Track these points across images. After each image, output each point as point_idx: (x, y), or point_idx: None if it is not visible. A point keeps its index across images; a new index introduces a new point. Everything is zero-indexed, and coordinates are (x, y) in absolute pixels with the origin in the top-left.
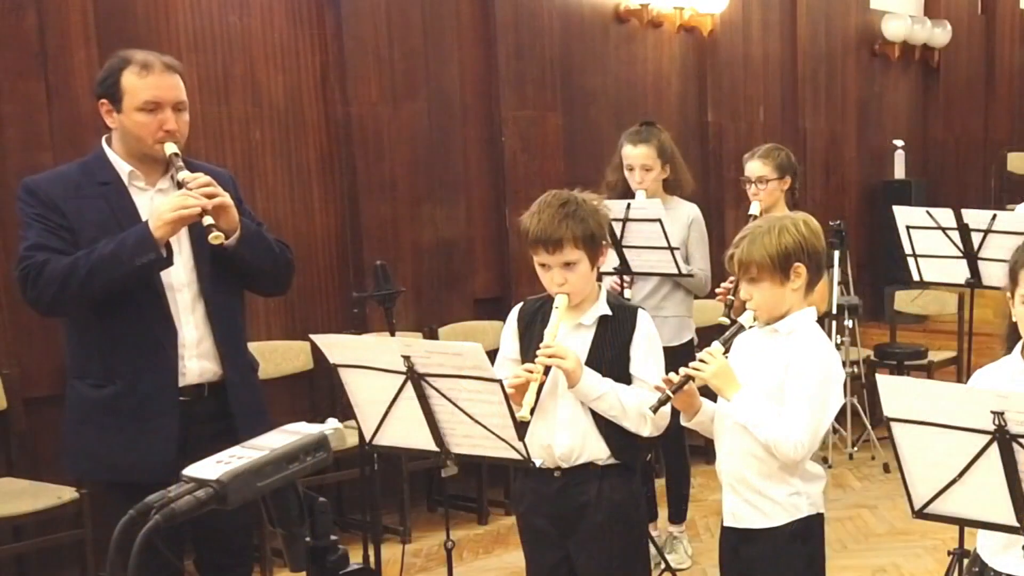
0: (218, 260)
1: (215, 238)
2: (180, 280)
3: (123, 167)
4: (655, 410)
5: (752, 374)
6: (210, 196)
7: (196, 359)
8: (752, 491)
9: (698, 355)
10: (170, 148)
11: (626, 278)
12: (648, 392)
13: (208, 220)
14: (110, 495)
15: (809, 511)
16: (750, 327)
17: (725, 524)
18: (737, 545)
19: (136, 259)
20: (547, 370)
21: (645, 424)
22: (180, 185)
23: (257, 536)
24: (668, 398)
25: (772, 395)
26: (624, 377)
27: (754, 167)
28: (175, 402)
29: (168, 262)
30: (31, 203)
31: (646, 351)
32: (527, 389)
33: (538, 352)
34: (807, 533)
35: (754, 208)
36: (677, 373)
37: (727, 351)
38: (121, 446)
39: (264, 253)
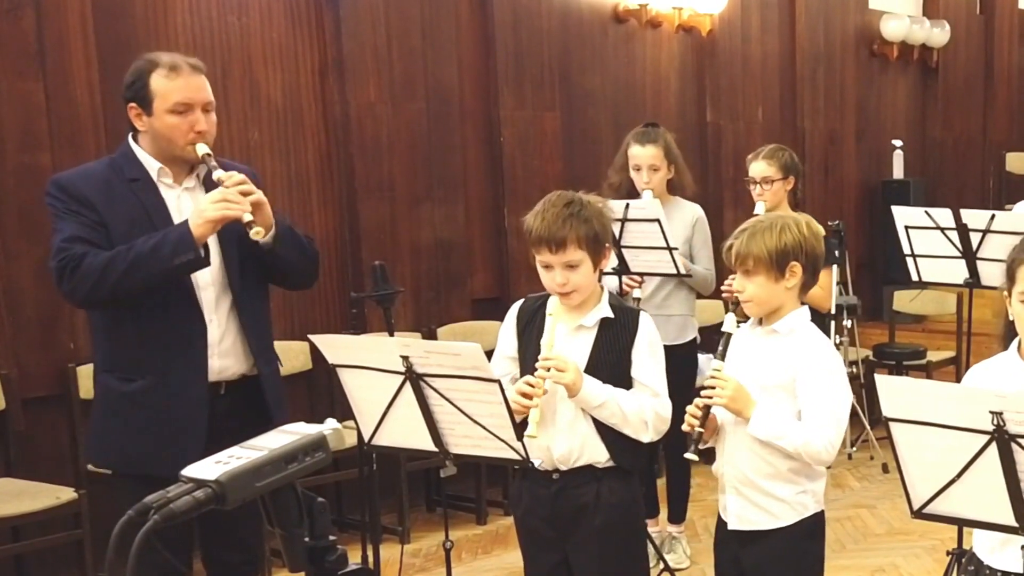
0: (246, 257)
1: (256, 234)
2: (205, 278)
3: (152, 164)
4: (696, 452)
5: (753, 374)
6: (246, 194)
7: (218, 357)
8: (760, 492)
9: (706, 381)
10: (202, 149)
11: (636, 278)
12: (649, 397)
13: (248, 217)
14: (132, 488)
15: (815, 508)
16: (738, 327)
17: (730, 527)
18: (739, 549)
19: (175, 258)
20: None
21: (646, 430)
22: (210, 183)
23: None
24: (700, 434)
25: (773, 393)
26: (625, 380)
27: (759, 168)
28: (204, 398)
29: (206, 262)
30: (63, 199)
31: (648, 355)
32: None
33: (537, 365)
34: (815, 530)
35: (759, 209)
36: (681, 371)
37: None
38: (149, 440)
39: (296, 248)
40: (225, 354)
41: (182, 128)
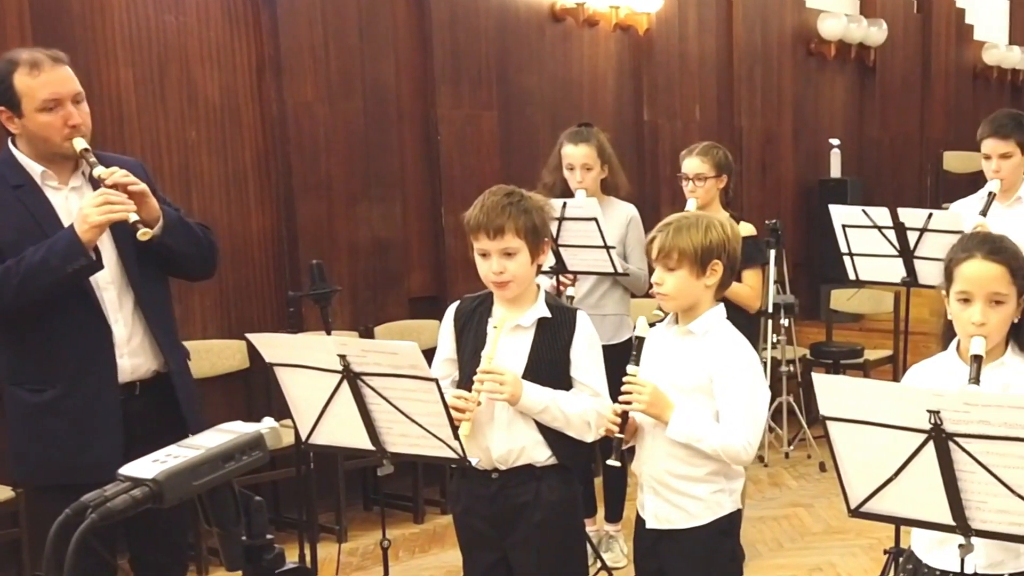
0: (143, 252)
1: (143, 235)
2: (105, 278)
3: (35, 168)
4: (617, 459)
5: (670, 376)
6: (127, 186)
7: (128, 357)
8: (675, 492)
9: (623, 387)
10: (79, 144)
11: (569, 276)
12: (589, 397)
13: (134, 217)
14: (54, 498)
15: (731, 507)
16: (652, 326)
17: (647, 527)
18: (656, 544)
19: (67, 266)
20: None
21: (589, 430)
22: (96, 181)
23: (193, 535)
24: (621, 439)
25: (691, 395)
26: (565, 380)
27: (692, 164)
28: (117, 401)
29: (99, 266)
30: None
31: (586, 354)
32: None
33: (475, 377)
34: (730, 529)
35: (690, 205)
36: (617, 370)
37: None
38: (67, 448)
39: (188, 238)
40: (135, 353)
41: (56, 125)
